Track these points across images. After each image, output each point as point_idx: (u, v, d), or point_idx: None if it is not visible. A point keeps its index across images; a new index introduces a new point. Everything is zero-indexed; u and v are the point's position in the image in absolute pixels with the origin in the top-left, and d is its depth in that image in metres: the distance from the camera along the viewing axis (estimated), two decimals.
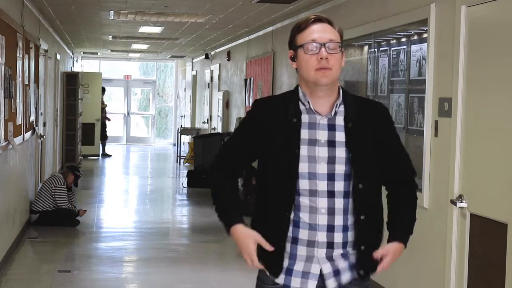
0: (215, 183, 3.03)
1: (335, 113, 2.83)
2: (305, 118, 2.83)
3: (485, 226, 4.62)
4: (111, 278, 7.09)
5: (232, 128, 14.08)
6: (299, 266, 2.85)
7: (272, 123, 2.86)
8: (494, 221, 4.48)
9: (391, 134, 2.93)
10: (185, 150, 19.26)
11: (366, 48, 7.00)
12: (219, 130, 15.29)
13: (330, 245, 2.81)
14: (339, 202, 2.80)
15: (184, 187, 13.95)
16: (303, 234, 2.82)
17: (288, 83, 9.91)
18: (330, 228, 2.80)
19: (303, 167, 2.79)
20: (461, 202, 4.82)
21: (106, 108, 20.89)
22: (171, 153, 21.93)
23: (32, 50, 9.18)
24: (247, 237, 2.87)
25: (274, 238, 2.84)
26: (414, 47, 5.81)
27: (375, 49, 6.67)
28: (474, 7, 4.80)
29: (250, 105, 12.32)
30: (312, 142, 2.80)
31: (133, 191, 13.87)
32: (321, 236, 2.80)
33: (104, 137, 20.13)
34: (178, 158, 18.58)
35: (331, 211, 2.80)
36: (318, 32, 2.79)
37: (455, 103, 4.98)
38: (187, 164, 17.99)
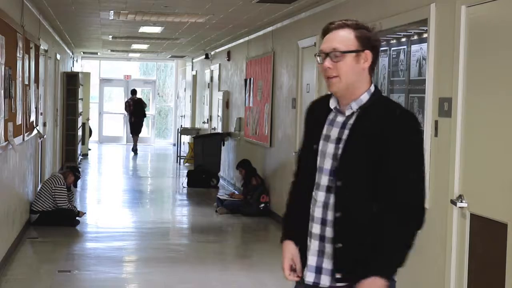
0: (288, 197, 3.17)
1: (352, 113, 2.91)
2: (331, 115, 2.96)
3: (485, 226, 4.62)
4: (111, 278, 7.09)
5: (232, 128, 14.08)
6: (302, 256, 3.00)
7: (313, 120, 3.04)
8: (494, 221, 4.48)
9: (397, 151, 2.80)
10: (185, 150, 19.27)
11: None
12: (219, 130, 15.29)
13: (322, 238, 2.90)
14: (332, 197, 2.88)
15: (184, 187, 13.96)
16: (310, 225, 2.96)
17: (288, 83, 9.91)
18: (323, 222, 2.89)
19: (318, 161, 2.95)
20: (461, 202, 4.82)
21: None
22: (171, 153, 21.93)
23: (32, 50, 9.18)
24: (286, 252, 3.03)
25: (303, 233, 3.00)
26: (414, 47, 5.81)
27: None
28: (474, 7, 4.80)
29: (250, 105, 12.33)
30: (326, 138, 2.94)
31: (133, 191, 13.88)
32: (315, 228, 2.91)
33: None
34: (178, 158, 18.58)
35: (325, 205, 2.89)
36: (327, 42, 2.90)
37: (455, 103, 4.98)
38: (187, 164, 17.99)
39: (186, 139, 19.95)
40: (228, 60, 14.64)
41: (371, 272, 2.78)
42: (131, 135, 22.27)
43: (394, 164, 2.80)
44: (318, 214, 2.89)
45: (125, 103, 22.54)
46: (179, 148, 18.71)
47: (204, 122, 17.83)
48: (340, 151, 2.86)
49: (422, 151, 2.90)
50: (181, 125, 21.72)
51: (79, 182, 11.10)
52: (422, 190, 2.85)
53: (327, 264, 2.88)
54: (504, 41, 4.43)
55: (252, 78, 12.25)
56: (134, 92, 22.40)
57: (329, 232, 2.87)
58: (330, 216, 2.87)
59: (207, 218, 10.65)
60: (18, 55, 7.82)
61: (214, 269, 7.54)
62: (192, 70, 20.72)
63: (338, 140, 2.89)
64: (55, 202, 9.52)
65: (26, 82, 8.65)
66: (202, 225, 10.23)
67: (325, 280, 2.89)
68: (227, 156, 14.51)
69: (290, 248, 3.00)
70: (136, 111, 21.79)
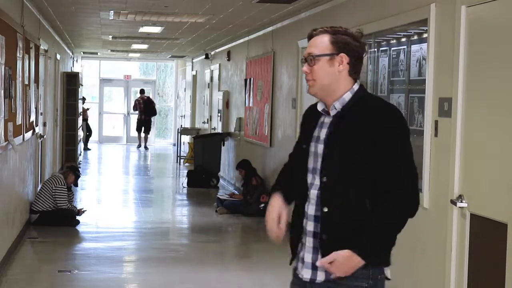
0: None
1: (339, 113, 3.01)
2: (322, 118, 3.08)
3: (485, 226, 4.62)
4: (111, 278, 7.09)
5: (232, 128, 14.08)
6: (300, 253, 3.08)
7: (307, 124, 3.16)
8: (494, 221, 4.48)
9: (386, 145, 2.89)
10: (185, 150, 19.27)
11: (366, 48, 6.98)
12: (219, 130, 15.29)
13: (315, 235, 3.00)
14: (316, 194, 3.01)
15: (184, 187, 13.95)
16: (304, 222, 3.06)
17: (288, 83, 9.91)
18: (316, 219, 3.00)
19: (309, 162, 3.05)
20: (461, 202, 4.82)
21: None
22: (171, 153, 21.93)
23: (32, 50, 9.18)
24: (273, 207, 3.14)
25: (296, 228, 3.09)
26: (414, 47, 5.81)
27: (375, 49, 6.67)
28: (474, 7, 4.80)
29: (250, 105, 12.33)
30: (317, 139, 3.05)
31: (133, 191, 13.87)
32: (310, 226, 3.02)
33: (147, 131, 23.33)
34: (178, 158, 18.58)
35: (317, 203, 2.99)
36: (307, 48, 3.06)
37: (455, 103, 4.98)
38: (187, 164, 17.99)
39: (186, 139, 19.95)
40: (228, 60, 14.64)
41: (353, 248, 2.86)
42: (137, 132, 23.26)
43: (385, 157, 2.89)
44: (311, 211, 3.01)
45: (135, 101, 23.49)
46: (179, 148, 18.71)
47: (204, 122, 17.84)
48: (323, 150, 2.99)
49: (408, 141, 2.97)
50: (181, 125, 21.73)
51: (78, 182, 11.09)
52: (414, 180, 2.94)
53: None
54: (504, 41, 4.43)
55: (252, 78, 12.25)
56: (142, 91, 23.63)
57: (316, 227, 2.99)
58: (318, 212, 2.99)
59: (207, 218, 10.65)
60: (18, 55, 7.82)
61: (214, 269, 7.54)
62: (192, 70, 20.72)
63: (326, 140, 3.01)
64: (55, 202, 9.52)
65: (26, 82, 8.65)
66: (202, 225, 10.23)
67: (321, 276, 3.00)
68: (227, 156, 14.51)
69: (279, 201, 3.14)
70: (147, 110, 22.94)
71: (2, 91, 6.74)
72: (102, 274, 7.24)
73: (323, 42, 2.99)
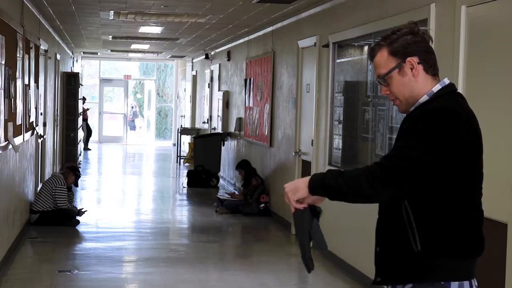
0: None
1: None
2: None
3: (485, 226, 4.61)
4: (111, 278, 7.09)
5: (232, 128, 14.08)
6: None
7: None
8: (494, 221, 4.48)
9: (401, 133, 2.69)
10: (185, 150, 19.27)
11: (366, 48, 7.00)
12: (219, 130, 15.29)
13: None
14: None
15: (184, 187, 13.96)
16: None
17: (288, 83, 9.91)
18: None
19: None
20: None
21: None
22: (171, 153, 21.94)
23: (32, 50, 9.18)
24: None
25: None
26: None
27: None
28: (474, 7, 4.80)
29: (250, 105, 12.32)
30: None
31: (133, 191, 13.87)
32: None
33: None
34: (178, 158, 18.58)
35: None
36: (375, 69, 2.84)
37: None
38: (187, 164, 17.99)
39: (186, 139, 19.95)
40: (228, 60, 14.64)
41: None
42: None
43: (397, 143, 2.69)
44: None
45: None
46: (179, 148, 18.71)
47: (204, 122, 17.84)
48: None
49: (423, 139, 2.57)
50: (181, 125, 21.73)
51: (79, 182, 11.09)
52: (402, 163, 2.56)
53: None
54: (504, 41, 4.43)
55: (252, 78, 12.25)
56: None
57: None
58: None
59: (207, 218, 10.66)
60: (18, 55, 7.82)
61: (214, 269, 7.54)
62: (192, 70, 20.73)
63: None
64: (55, 202, 9.52)
65: (26, 82, 8.65)
66: (202, 225, 10.23)
67: None
68: (227, 156, 14.51)
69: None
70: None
71: (2, 91, 6.74)
72: (102, 274, 7.24)
73: (384, 58, 2.75)
